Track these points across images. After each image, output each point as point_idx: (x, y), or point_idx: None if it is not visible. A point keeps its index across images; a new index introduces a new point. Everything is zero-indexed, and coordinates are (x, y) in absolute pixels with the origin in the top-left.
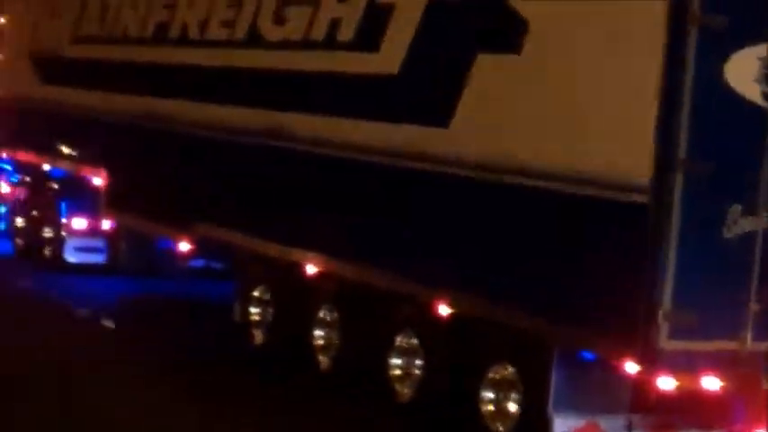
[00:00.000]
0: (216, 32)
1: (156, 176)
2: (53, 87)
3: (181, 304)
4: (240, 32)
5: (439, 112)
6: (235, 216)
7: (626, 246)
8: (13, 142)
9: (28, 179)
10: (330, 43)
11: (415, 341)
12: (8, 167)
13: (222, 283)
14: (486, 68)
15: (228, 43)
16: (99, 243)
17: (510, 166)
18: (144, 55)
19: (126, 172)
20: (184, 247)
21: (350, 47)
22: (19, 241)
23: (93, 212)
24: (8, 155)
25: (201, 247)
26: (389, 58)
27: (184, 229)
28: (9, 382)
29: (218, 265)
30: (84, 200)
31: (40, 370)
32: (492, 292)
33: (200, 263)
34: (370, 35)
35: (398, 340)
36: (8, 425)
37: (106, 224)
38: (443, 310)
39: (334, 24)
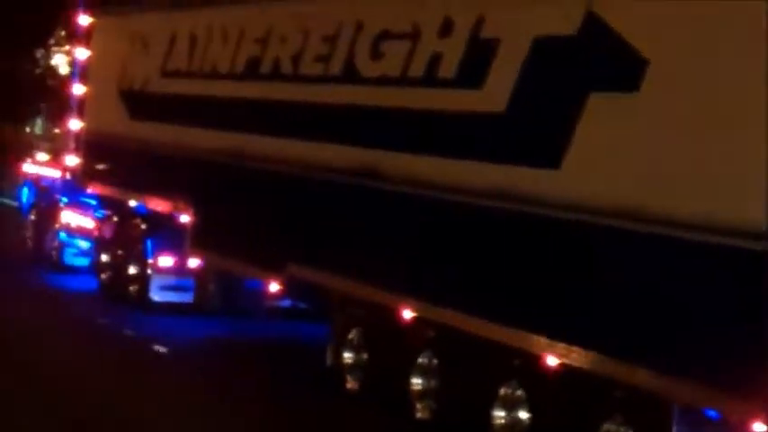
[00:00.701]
0: (309, 67)
1: (246, 215)
2: (141, 123)
3: (269, 346)
4: (335, 67)
5: (550, 152)
6: (329, 257)
7: (755, 299)
8: (100, 178)
9: (113, 215)
10: (430, 79)
11: (521, 393)
12: (93, 203)
13: (311, 325)
14: (601, 107)
15: (323, 79)
16: (185, 282)
17: (627, 210)
18: (234, 90)
19: (213, 210)
20: (274, 287)
21: (451, 84)
22: (104, 278)
23: (179, 251)
24: (94, 190)
25: (292, 289)
26: (494, 95)
27: (275, 270)
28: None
29: (305, 306)
30: (170, 238)
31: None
32: (607, 346)
33: (287, 303)
34: (473, 71)
35: (503, 391)
36: None
37: (193, 263)
38: (553, 361)
39: (435, 60)
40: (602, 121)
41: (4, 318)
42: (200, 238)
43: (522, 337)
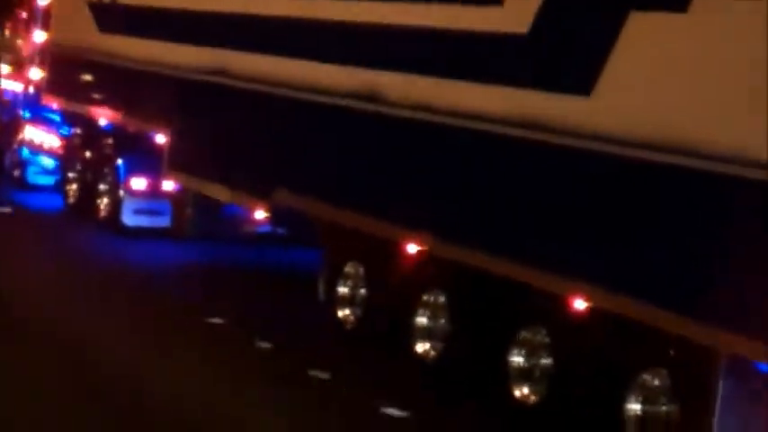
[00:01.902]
0: None
1: (228, 137)
2: (111, 36)
3: (251, 274)
4: None
5: (579, 77)
6: (323, 184)
7: None
8: (66, 93)
9: (81, 133)
10: None
11: (543, 338)
12: (58, 119)
13: (292, 251)
14: (642, 28)
15: None
16: (160, 205)
17: (668, 142)
18: (217, 4)
19: (193, 130)
20: (259, 214)
21: (466, 0)
22: (71, 198)
23: (153, 173)
24: (59, 106)
25: (279, 216)
26: (516, 14)
27: (260, 196)
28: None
29: (288, 233)
30: (143, 159)
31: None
32: (648, 292)
33: (266, 228)
34: None
35: (523, 335)
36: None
37: (168, 185)
38: (582, 305)
39: None
40: (642, 43)
41: None
42: (177, 160)
43: (547, 277)
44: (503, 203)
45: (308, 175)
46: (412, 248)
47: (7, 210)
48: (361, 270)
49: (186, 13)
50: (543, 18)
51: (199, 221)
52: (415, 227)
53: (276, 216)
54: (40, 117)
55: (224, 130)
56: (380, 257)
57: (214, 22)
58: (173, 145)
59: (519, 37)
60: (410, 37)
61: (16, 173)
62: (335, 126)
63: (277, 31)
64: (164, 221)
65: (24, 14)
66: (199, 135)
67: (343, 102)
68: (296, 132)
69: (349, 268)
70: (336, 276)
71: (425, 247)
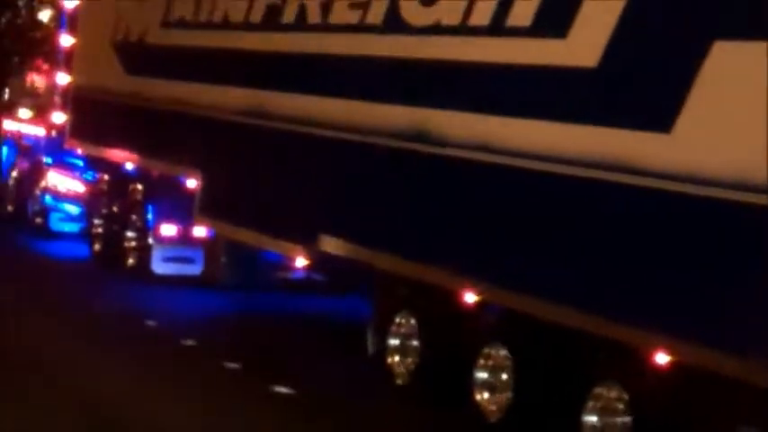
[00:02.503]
0: (343, 15)
1: (265, 181)
2: (139, 78)
3: (291, 325)
4: (375, 14)
5: (658, 112)
6: (371, 230)
7: None
8: (91, 137)
9: (107, 178)
10: (497, 28)
11: (620, 394)
12: (81, 164)
13: (329, 299)
14: (729, 58)
15: (359, 28)
16: (191, 252)
17: (760, 183)
18: (251, 42)
19: (226, 174)
20: (300, 262)
21: (526, 33)
22: (97, 246)
23: (184, 218)
24: (84, 150)
25: (322, 263)
26: (583, 46)
27: (301, 242)
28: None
29: (325, 279)
30: (173, 204)
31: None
32: (740, 344)
33: (300, 275)
34: (554, 18)
35: (597, 392)
36: None
37: (200, 232)
38: (664, 359)
39: (504, 4)
40: (728, 74)
41: None
42: (209, 205)
43: (624, 329)
44: (571, 248)
45: (354, 221)
46: (470, 297)
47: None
48: (414, 321)
49: (220, 53)
50: (613, 50)
51: (233, 269)
52: (472, 274)
53: (317, 263)
54: (62, 162)
55: (260, 174)
56: (435, 307)
57: (250, 61)
58: (204, 189)
59: (586, 71)
60: (465, 73)
61: (39, 220)
62: (384, 168)
63: (318, 68)
64: (195, 269)
65: (45, 56)
66: (233, 179)
67: (394, 143)
68: (340, 175)
69: (400, 318)
70: (387, 327)
71: (484, 296)
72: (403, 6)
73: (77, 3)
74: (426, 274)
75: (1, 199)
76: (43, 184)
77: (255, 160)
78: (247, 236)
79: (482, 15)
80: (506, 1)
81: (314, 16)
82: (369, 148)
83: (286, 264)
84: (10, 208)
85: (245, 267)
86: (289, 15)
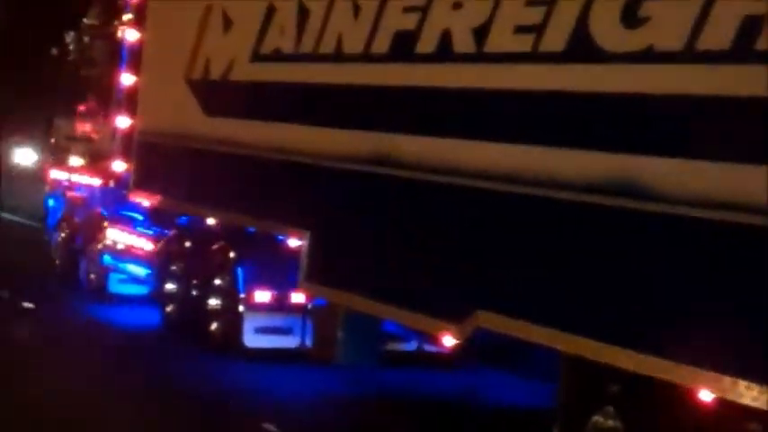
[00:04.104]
0: (503, 42)
1: (395, 241)
2: (223, 120)
3: (427, 410)
4: (553, 41)
5: None
6: (553, 305)
7: None
8: (161, 188)
9: (181, 235)
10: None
11: None
12: (140, 218)
13: (451, 375)
14: None
15: (527, 57)
16: (289, 322)
17: None
18: (370, 76)
19: (342, 233)
20: (449, 341)
21: None
22: (170, 312)
23: (280, 282)
24: (152, 204)
25: (480, 344)
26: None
27: (449, 318)
28: None
29: (434, 349)
30: (268, 266)
31: None
32: None
33: (411, 346)
34: None
35: None
36: None
37: (298, 298)
38: None
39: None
40: None
41: (41, 375)
42: (320, 270)
43: None
44: None
45: (529, 293)
46: (705, 395)
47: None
48: (619, 423)
49: (332, 90)
50: None
51: (351, 345)
52: (696, 362)
53: (476, 345)
54: (122, 216)
55: (389, 234)
56: (650, 404)
57: (374, 100)
58: (314, 251)
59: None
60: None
61: (95, 280)
62: (567, 226)
63: (469, 108)
64: (291, 341)
65: (99, 98)
66: (352, 240)
67: (589, 197)
68: (509, 235)
69: (599, 417)
70: (580, 424)
71: (730, 398)
72: (596, 28)
73: (141, 35)
74: (640, 362)
75: (47, 258)
76: (100, 240)
77: (382, 217)
78: (373, 307)
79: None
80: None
81: (463, 44)
82: (541, 202)
83: (395, 334)
84: (59, 267)
85: (365, 342)
86: (427, 44)
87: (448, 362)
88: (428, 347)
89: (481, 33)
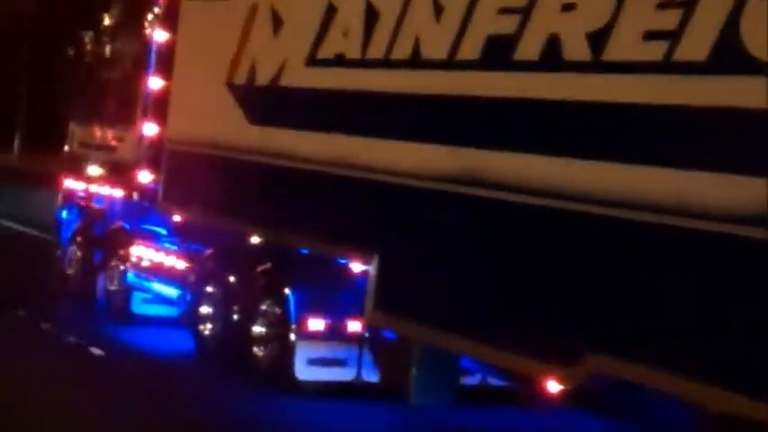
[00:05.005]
0: (629, 49)
1: (486, 270)
2: (271, 129)
3: None
4: (692, 48)
5: None
6: (694, 351)
7: None
8: (196, 202)
9: (219, 253)
10: None
11: None
12: (164, 232)
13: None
14: None
15: (658, 67)
16: (345, 353)
17: None
18: (455, 85)
19: (421, 259)
20: (554, 387)
21: None
22: (208, 340)
23: (336, 309)
24: (185, 218)
25: (594, 391)
26: None
27: (557, 361)
28: None
29: (499, 382)
30: (323, 290)
31: None
32: None
33: (475, 380)
34: None
35: None
36: None
37: (354, 326)
38: None
39: None
40: None
41: (68, 411)
42: (392, 300)
43: None
44: None
45: (661, 336)
46: None
47: (99, 352)
48: None
49: (406, 99)
50: None
51: (425, 381)
52: None
53: (588, 392)
54: (146, 231)
55: (478, 261)
56: None
57: (459, 110)
58: (383, 278)
59: None
60: None
61: (116, 300)
62: (699, 258)
63: (576, 120)
64: (348, 374)
65: (120, 102)
66: (430, 265)
67: (721, 226)
68: (621, 267)
69: None
70: None
71: None
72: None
73: (170, 35)
74: None
75: (61, 274)
76: (123, 256)
77: (469, 243)
78: (456, 344)
79: None
80: None
81: (576, 51)
82: (681, 233)
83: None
84: (73, 284)
85: (442, 378)
86: (526, 50)
87: (532, 399)
88: (493, 381)
89: (599, 39)
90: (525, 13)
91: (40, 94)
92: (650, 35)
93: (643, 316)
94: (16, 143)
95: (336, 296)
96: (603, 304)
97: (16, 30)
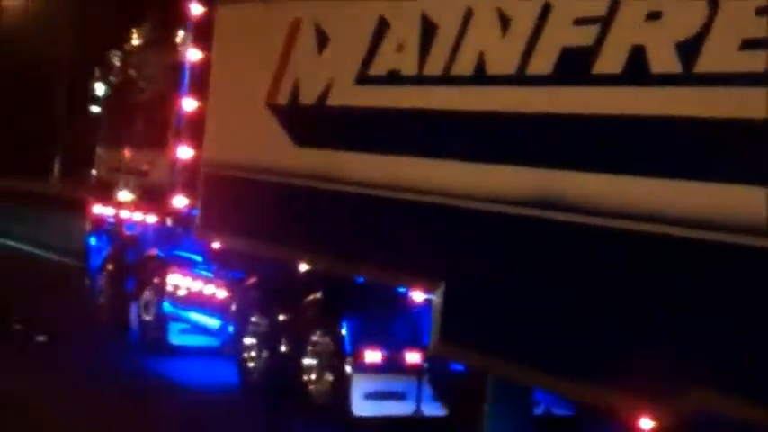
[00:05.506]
0: (724, 60)
1: (570, 300)
2: (319, 152)
3: None
4: None
5: None
6: None
7: None
8: (236, 228)
9: (265, 282)
10: None
11: None
12: (199, 259)
13: None
14: None
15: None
16: (403, 386)
17: None
18: (524, 102)
19: (492, 288)
20: (646, 424)
21: None
22: (252, 373)
23: (390, 339)
24: (225, 244)
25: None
26: None
27: (656, 398)
28: None
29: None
30: (377, 320)
31: None
32: None
33: (539, 409)
34: None
35: None
36: None
37: (412, 357)
38: None
39: None
40: None
41: None
42: (460, 329)
43: None
44: None
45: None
46: None
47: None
48: None
49: (475, 118)
50: None
51: (499, 416)
52: None
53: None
54: (181, 258)
55: (558, 290)
56: None
57: (528, 129)
58: (450, 306)
59: None
60: None
61: (151, 330)
62: None
63: (666, 137)
64: (407, 408)
65: (151, 123)
66: (503, 294)
67: None
68: (724, 294)
69: None
70: None
71: None
72: None
73: (204, 55)
74: None
75: (90, 302)
76: (158, 284)
77: (549, 270)
78: (534, 378)
79: None
80: None
81: (663, 62)
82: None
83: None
84: (104, 314)
85: (517, 413)
86: (608, 63)
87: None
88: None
89: (689, 49)
90: (605, 23)
91: (77, 119)
92: (748, 44)
93: (751, 345)
94: (56, 168)
95: (393, 326)
96: (706, 335)
97: (57, 60)
